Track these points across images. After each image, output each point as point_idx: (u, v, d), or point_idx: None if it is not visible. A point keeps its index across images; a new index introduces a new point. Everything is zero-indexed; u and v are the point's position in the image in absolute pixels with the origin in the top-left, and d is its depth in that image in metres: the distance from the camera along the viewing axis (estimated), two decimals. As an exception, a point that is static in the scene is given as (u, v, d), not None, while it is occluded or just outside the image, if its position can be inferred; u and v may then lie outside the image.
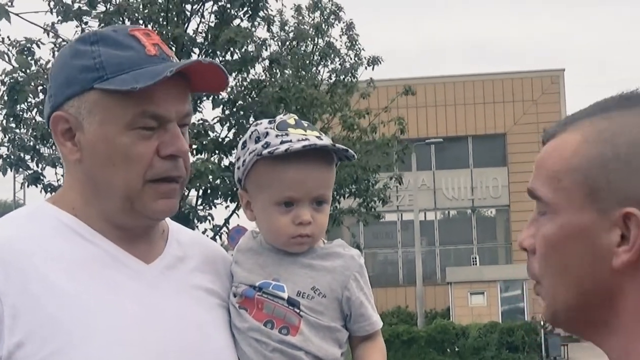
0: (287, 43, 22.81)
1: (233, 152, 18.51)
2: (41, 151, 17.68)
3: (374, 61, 24.92)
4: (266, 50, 19.57)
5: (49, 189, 17.47)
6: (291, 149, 2.23)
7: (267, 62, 19.30)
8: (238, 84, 19.20)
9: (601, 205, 1.48)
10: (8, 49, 16.51)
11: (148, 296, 2.10)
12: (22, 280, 1.98)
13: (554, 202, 1.54)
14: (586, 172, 1.50)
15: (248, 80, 19.02)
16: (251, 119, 18.38)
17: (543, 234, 1.56)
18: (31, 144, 17.75)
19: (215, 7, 17.71)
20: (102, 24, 16.38)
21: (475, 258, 42.29)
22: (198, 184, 16.70)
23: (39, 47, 17.19)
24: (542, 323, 34.86)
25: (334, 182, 2.39)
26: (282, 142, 2.25)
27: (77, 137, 2.08)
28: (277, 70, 19.51)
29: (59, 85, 2.11)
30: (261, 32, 19.06)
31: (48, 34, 17.41)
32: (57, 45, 17.19)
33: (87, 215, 2.12)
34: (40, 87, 16.38)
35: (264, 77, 19.23)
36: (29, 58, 16.90)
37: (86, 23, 17.32)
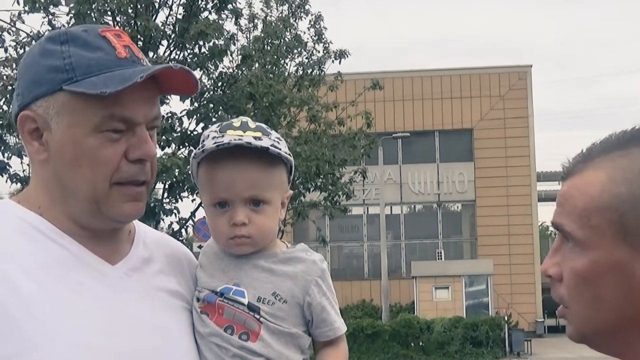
0: (260, 41, 22.66)
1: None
2: (7, 140, 17.51)
3: (341, 55, 24.90)
4: (234, 44, 19.51)
5: (14, 179, 17.33)
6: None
7: (239, 58, 19.25)
8: (206, 77, 19.14)
9: (634, 241, 1.59)
10: None
11: (111, 299, 2.08)
12: None
13: (584, 239, 1.63)
14: (617, 211, 1.60)
15: (216, 73, 18.96)
16: (220, 113, 18.34)
17: (573, 267, 1.64)
18: (-3, 132, 17.57)
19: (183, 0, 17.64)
20: (70, 14, 16.28)
21: (441, 252, 42.39)
22: (164, 178, 16.65)
23: (9, 34, 17.10)
24: (505, 318, 35.04)
25: (276, 182, 2.34)
26: (215, 144, 2.25)
27: (45, 137, 2.07)
28: (246, 66, 19.45)
29: (27, 84, 2.08)
30: (229, 25, 18.99)
31: (15, 24, 17.30)
32: (20, 43, 17.10)
33: (53, 215, 2.10)
34: (6, 76, 16.26)
35: (234, 71, 19.17)
36: (-1, 45, 16.84)
37: (53, 14, 17.21)
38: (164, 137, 17.05)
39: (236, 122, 2.33)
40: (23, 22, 17.40)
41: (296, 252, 2.36)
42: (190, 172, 2.37)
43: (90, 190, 2.06)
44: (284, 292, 2.28)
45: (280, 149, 2.30)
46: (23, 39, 17.10)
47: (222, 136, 2.26)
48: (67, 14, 16.33)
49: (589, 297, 1.63)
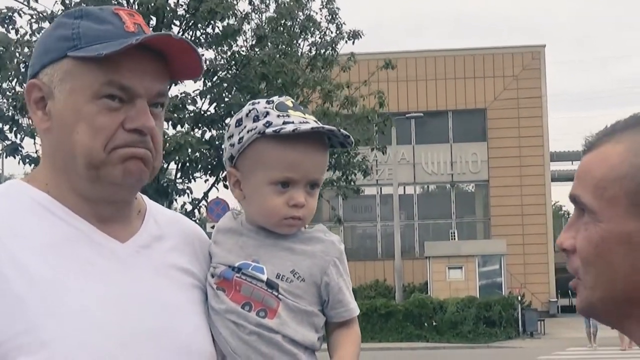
0: (273, 22, 22.59)
1: (213, 126, 18.45)
2: (20, 122, 17.56)
3: (355, 35, 24.83)
4: (248, 23, 19.49)
5: (27, 160, 17.39)
6: (299, 130, 2.23)
7: (252, 39, 19.24)
8: (219, 57, 19.14)
9: None
10: None
11: (120, 276, 2.08)
12: None
13: (599, 209, 1.66)
14: (634, 179, 1.62)
15: (228, 54, 18.95)
16: (233, 93, 18.33)
17: (586, 238, 1.67)
18: (10, 114, 17.62)
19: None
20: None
21: (454, 233, 42.46)
22: (177, 157, 16.67)
23: (20, 16, 17.10)
24: (519, 298, 35.08)
25: (327, 167, 2.40)
26: (284, 123, 2.25)
27: (49, 105, 2.09)
28: (260, 47, 19.43)
29: (38, 54, 2.12)
30: (243, 5, 19.01)
31: (29, 2, 17.34)
32: (35, 17, 17.12)
33: (60, 191, 2.11)
34: (18, 58, 16.28)
35: (247, 52, 19.15)
36: (10, 27, 16.83)
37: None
38: (175, 114, 17.05)
39: (287, 100, 2.35)
40: (36, 1, 17.44)
41: (315, 233, 2.36)
42: (237, 146, 2.32)
43: (86, 157, 2.05)
44: (303, 270, 2.28)
45: (343, 134, 2.34)
46: (41, 12, 17.13)
47: (288, 115, 2.28)
48: None
49: (600, 267, 1.66)
